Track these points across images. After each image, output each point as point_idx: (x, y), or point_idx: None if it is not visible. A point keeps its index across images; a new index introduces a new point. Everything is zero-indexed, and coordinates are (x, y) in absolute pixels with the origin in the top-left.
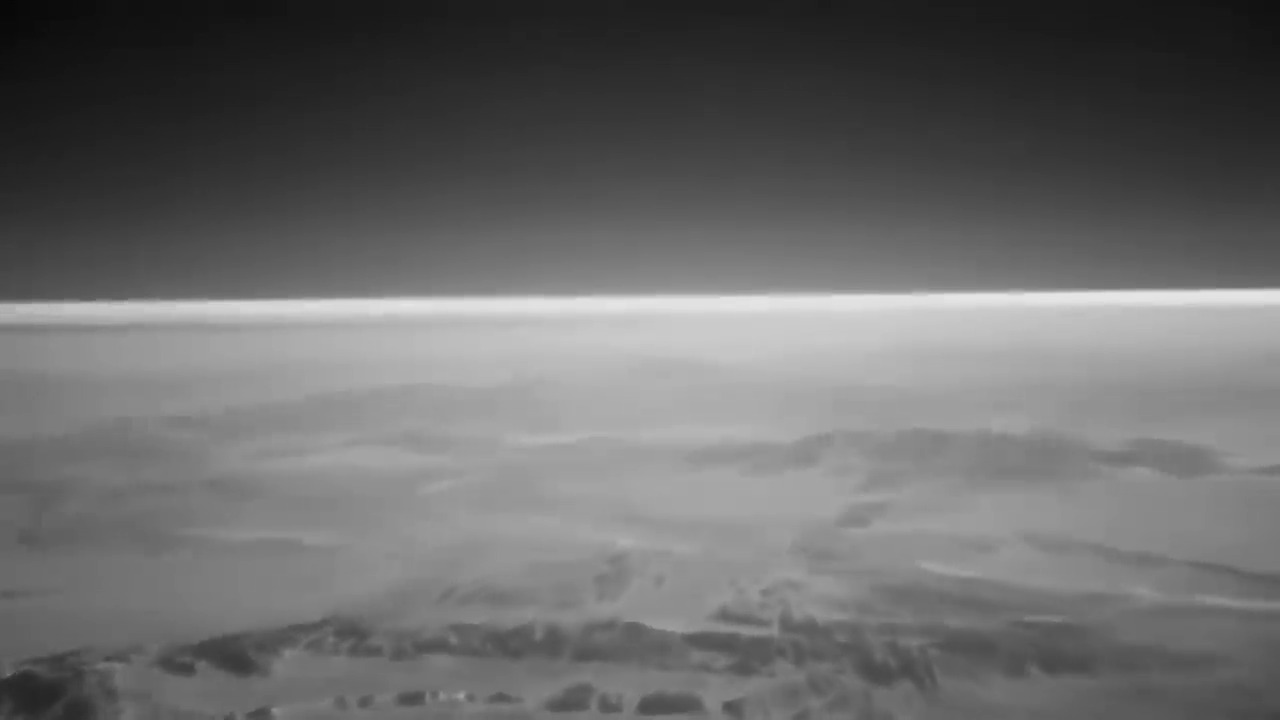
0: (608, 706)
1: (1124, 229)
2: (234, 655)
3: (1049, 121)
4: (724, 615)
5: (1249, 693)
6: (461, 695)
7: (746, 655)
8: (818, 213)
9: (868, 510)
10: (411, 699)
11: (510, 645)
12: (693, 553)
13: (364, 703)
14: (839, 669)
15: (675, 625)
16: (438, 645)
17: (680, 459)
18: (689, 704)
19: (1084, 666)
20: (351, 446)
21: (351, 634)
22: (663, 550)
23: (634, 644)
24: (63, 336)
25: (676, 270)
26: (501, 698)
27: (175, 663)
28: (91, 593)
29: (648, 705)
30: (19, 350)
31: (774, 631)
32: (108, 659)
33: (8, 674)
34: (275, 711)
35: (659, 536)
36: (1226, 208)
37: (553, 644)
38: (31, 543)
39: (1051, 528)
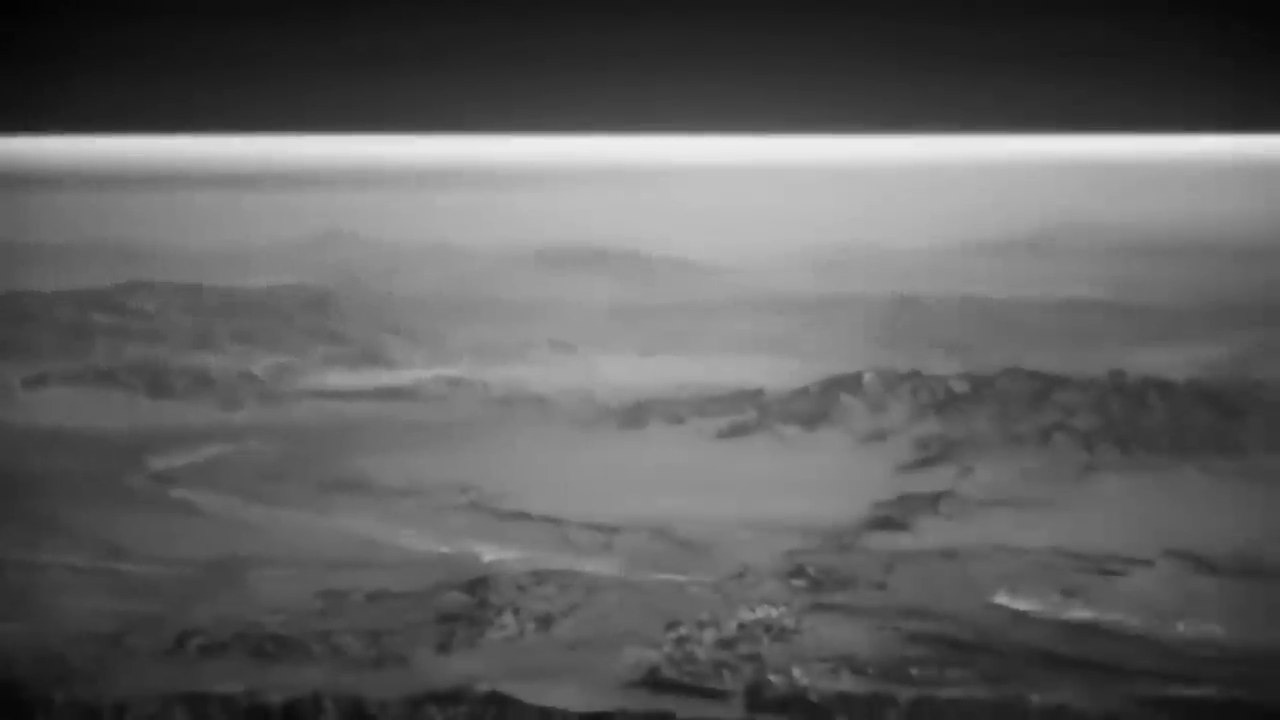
0: None
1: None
2: None
3: None
4: (651, 681)
5: None
6: None
7: None
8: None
9: (911, 504)
10: None
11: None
12: (615, 572)
13: None
14: None
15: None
16: None
17: (612, 416)
18: None
19: None
20: None
21: None
22: (569, 568)
23: None
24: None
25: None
26: None
27: None
28: None
29: None
30: None
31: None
32: None
33: None
34: None
35: (557, 543)
36: None
37: None
38: None
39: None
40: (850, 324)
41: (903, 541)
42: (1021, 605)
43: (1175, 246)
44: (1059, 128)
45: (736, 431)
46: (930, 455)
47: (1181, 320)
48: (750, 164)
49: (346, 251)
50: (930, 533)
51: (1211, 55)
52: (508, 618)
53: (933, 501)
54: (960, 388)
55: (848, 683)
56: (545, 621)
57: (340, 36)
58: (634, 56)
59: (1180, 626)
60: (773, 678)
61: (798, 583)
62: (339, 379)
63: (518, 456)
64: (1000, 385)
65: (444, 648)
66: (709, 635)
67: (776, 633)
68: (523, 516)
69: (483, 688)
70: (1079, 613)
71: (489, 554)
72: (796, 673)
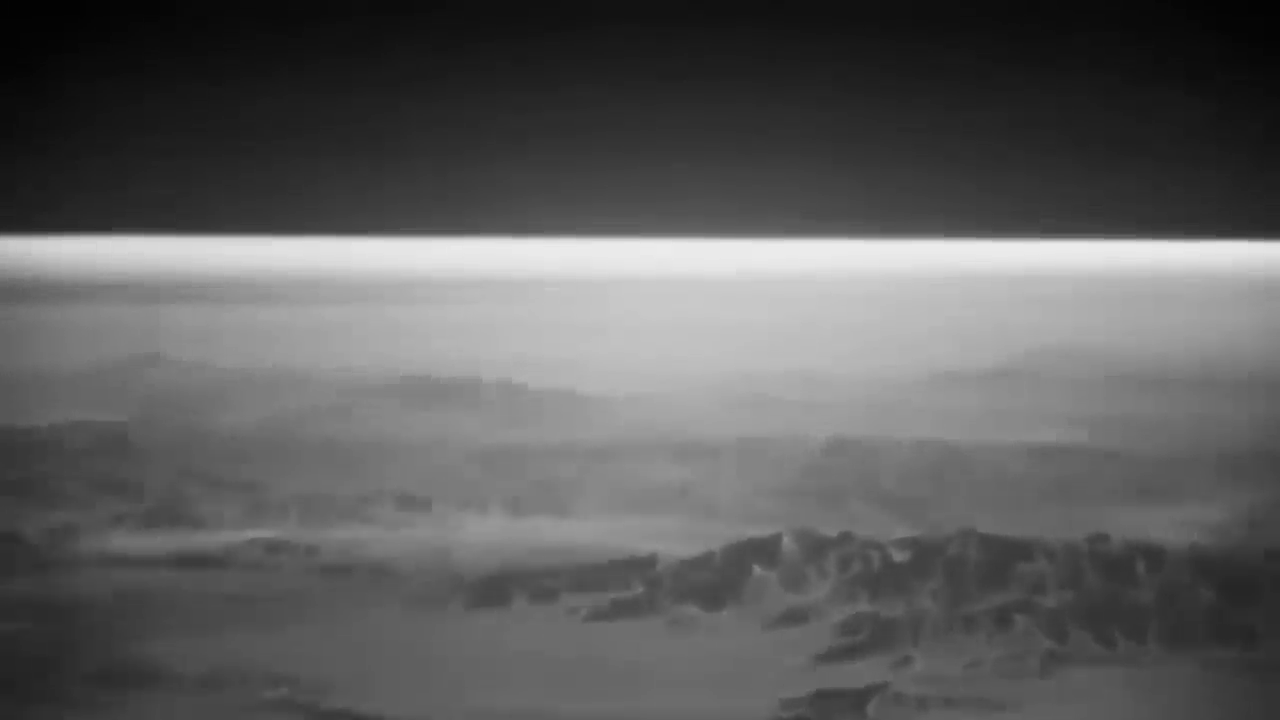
0: None
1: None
2: None
3: None
4: None
5: None
6: None
7: None
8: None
9: (830, 704)
10: None
11: None
12: None
13: None
14: None
15: None
16: None
17: (466, 591)
18: None
19: None
20: None
21: None
22: None
23: None
24: None
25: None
26: None
27: None
28: None
29: None
30: None
31: None
32: None
33: None
34: None
35: None
36: None
37: None
38: None
39: None
40: (771, 473)
41: None
42: None
43: (1180, 378)
44: (1041, 232)
45: (619, 611)
46: (859, 642)
47: (1181, 472)
48: (662, 272)
49: (157, 378)
50: None
51: (1228, 149)
52: None
53: (858, 701)
54: (900, 556)
55: None
56: None
57: (164, 121)
58: (517, 144)
59: None
60: None
61: None
62: (129, 541)
63: (345, 641)
64: (951, 553)
65: None
66: None
67: None
68: (345, 717)
69: None
70: None
71: None
72: None
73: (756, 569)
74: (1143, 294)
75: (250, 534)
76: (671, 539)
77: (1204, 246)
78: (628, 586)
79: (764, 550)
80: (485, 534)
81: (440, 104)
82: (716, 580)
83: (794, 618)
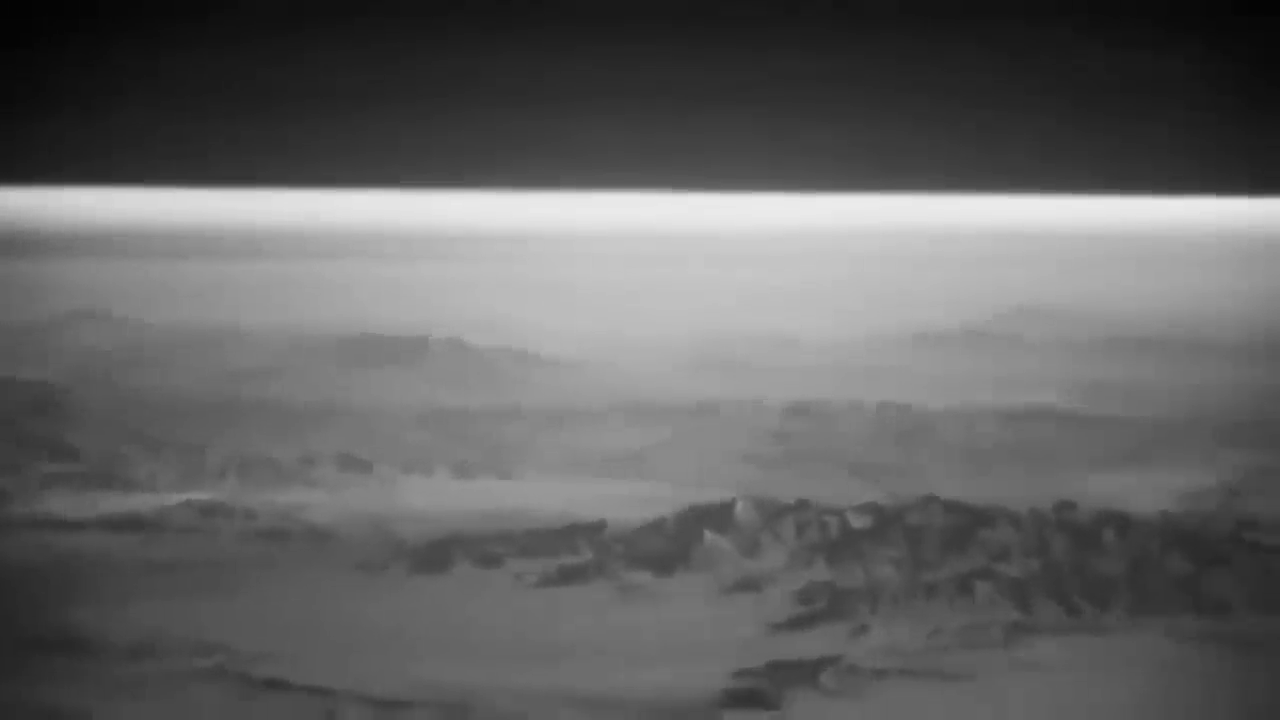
0: None
1: None
2: None
3: None
4: None
5: None
6: None
7: None
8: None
9: (784, 674)
10: None
11: None
12: None
13: None
14: None
15: None
16: None
17: (409, 557)
18: None
19: None
20: None
21: None
22: None
23: None
24: None
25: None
26: None
27: None
28: None
29: None
30: None
31: None
32: None
33: None
34: None
35: None
36: None
37: None
38: None
39: None
40: (730, 438)
41: None
42: None
43: (1160, 340)
44: (1022, 189)
45: (566, 578)
46: (814, 610)
47: (1159, 436)
48: (623, 228)
49: (95, 337)
50: (807, 712)
51: (1213, 106)
52: None
53: (813, 671)
54: (859, 522)
55: None
56: None
57: (100, 74)
58: (467, 96)
59: None
60: None
61: None
62: (61, 504)
63: (282, 608)
64: (912, 520)
65: None
66: None
67: None
68: (280, 686)
69: None
70: None
71: None
72: None
73: (710, 535)
74: (1125, 254)
75: (185, 497)
76: (624, 504)
77: (1187, 204)
78: (576, 552)
79: (718, 516)
80: (430, 498)
81: (383, 56)
82: (668, 547)
83: (748, 586)
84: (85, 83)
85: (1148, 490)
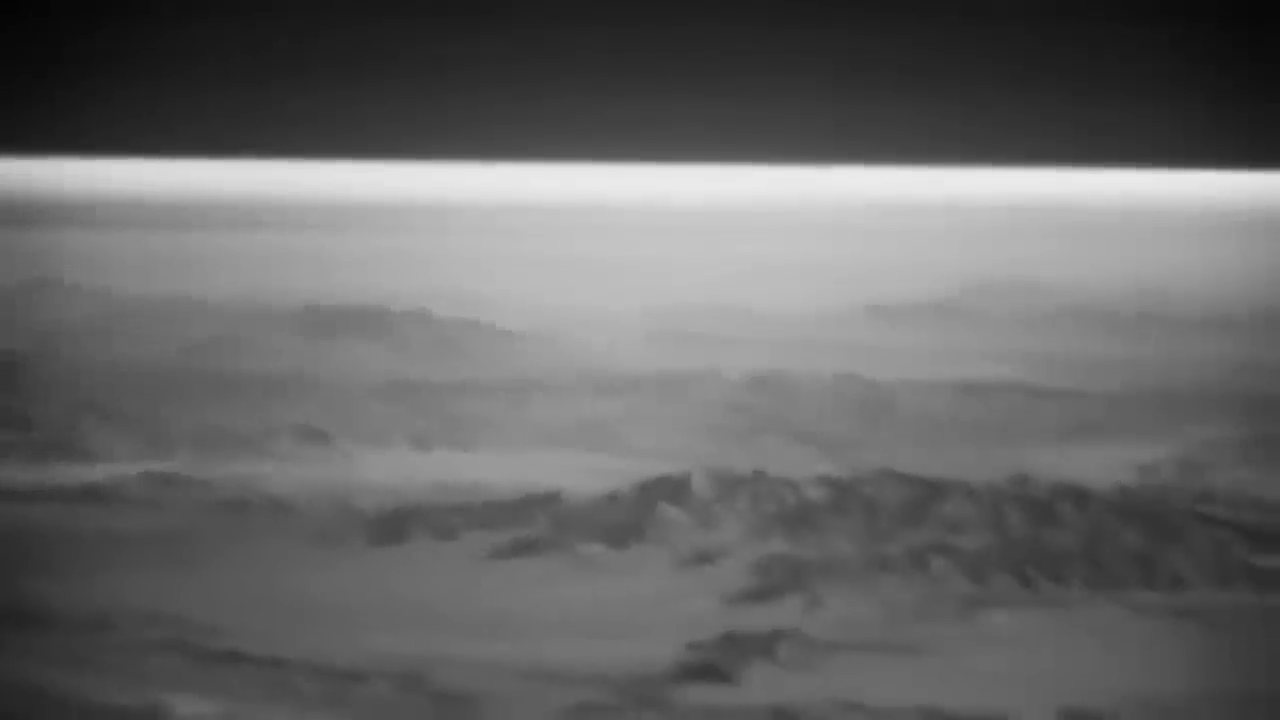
0: None
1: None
2: None
3: None
4: None
5: None
6: None
7: None
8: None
9: (739, 646)
10: None
11: None
12: None
13: None
14: None
15: None
16: None
17: (365, 528)
18: None
19: None
20: None
21: None
22: None
23: None
24: None
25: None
26: None
27: None
28: None
29: None
30: None
31: None
32: None
33: None
34: None
35: (276, 693)
36: None
37: None
38: None
39: None
40: (687, 410)
41: (723, 696)
42: None
43: (1124, 314)
44: (988, 159)
45: (521, 549)
46: (770, 583)
47: (1116, 409)
48: (586, 201)
49: (56, 306)
50: (761, 685)
51: (1178, 80)
52: None
53: (768, 643)
54: (816, 494)
55: None
56: None
57: (61, 40)
58: (431, 66)
59: None
60: None
61: None
62: (17, 474)
63: (238, 580)
64: (867, 492)
65: None
66: None
67: None
68: (235, 658)
69: None
70: None
71: (184, 706)
72: None
73: (665, 507)
74: (1091, 226)
75: (143, 468)
76: (581, 475)
77: (1152, 177)
78: (531, 524)
79: (673, 488)
80: (388, 470)
81: (347, 29)
82: (623, 518)
83: (703, 558)
84: (42, 54)
85: (1105, 463)
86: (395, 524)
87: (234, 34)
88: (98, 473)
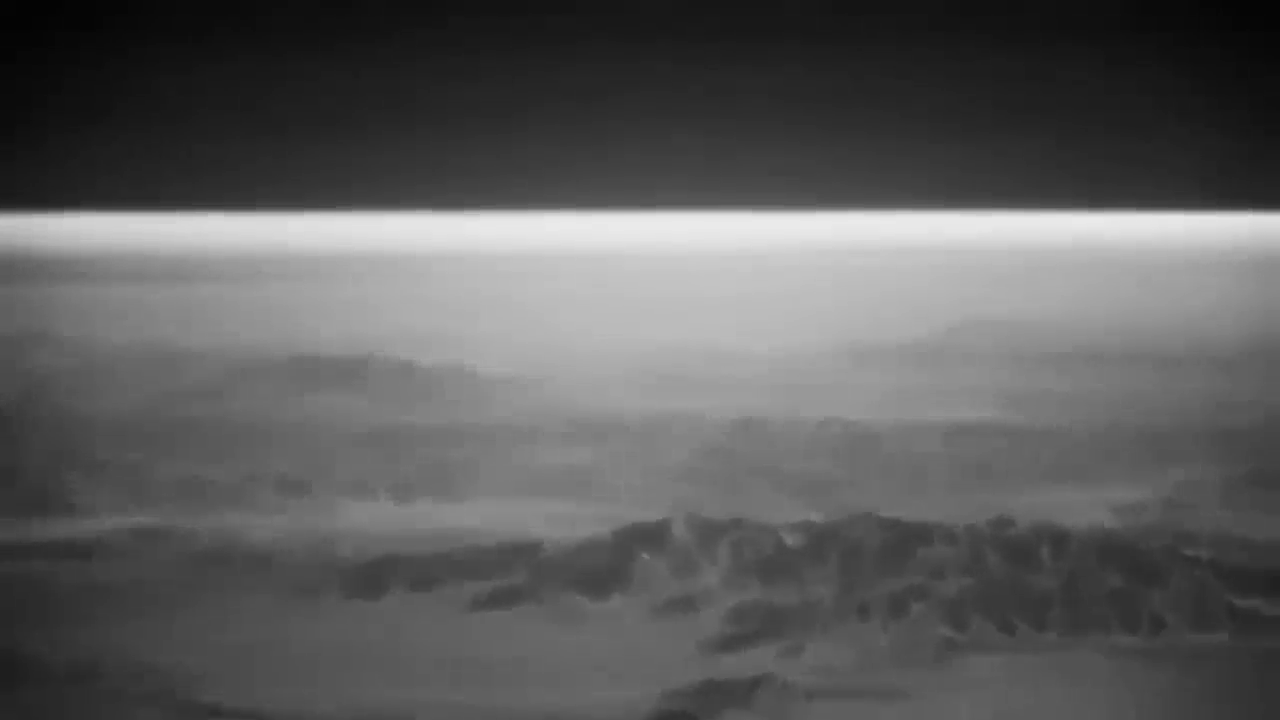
0: None
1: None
2: None
3: None
4: None
5: None
6: None
7: None
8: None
9: (716, 694)
10: None
11: None
12: None
13: None
14: None
15: None
16: None
17: (343, 579)
18: None
19: None
20: None
21: None
22: None
23: None
24: None
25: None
26: None
27: None
28: None
29: None
30: None
31: None
32: None
33: None
34: None
35: None
36: None
37: None
38: None
39: None
40: (669, 455)
41: None
42: None
43: (1107, 354)
44: (971, 202)
45: (499, 600)
46: (747, 630)
47: (1098, 450)
48: (567, 247)
49: (40, 357)
50: None
51: (1164, 122)
52: None
53: (746, 691)
54: (793, 540)
55: None
56: None
57: (48, 98)
58: (421, 115)
59: None
60: None
61: None
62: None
63: (219, 632)
64: (846, 537)
65: None
66: None
67: None
68: (215, 713)
69: None
70: None
71: None
72: None
73: (644, 555)
74: (1074, 268)
75: (126, 520)
76: (562, 523)
77: (1136, 219)
78: (510, 574)
79: (652, 535)
80: (369, 519)
81: (331, 84)
82: (603, 567)
83: (682, 605)
84: (33, 111)
85: (1086, 504)
86: (375, 575)
87: (220, 91)
88: (81, 525)
